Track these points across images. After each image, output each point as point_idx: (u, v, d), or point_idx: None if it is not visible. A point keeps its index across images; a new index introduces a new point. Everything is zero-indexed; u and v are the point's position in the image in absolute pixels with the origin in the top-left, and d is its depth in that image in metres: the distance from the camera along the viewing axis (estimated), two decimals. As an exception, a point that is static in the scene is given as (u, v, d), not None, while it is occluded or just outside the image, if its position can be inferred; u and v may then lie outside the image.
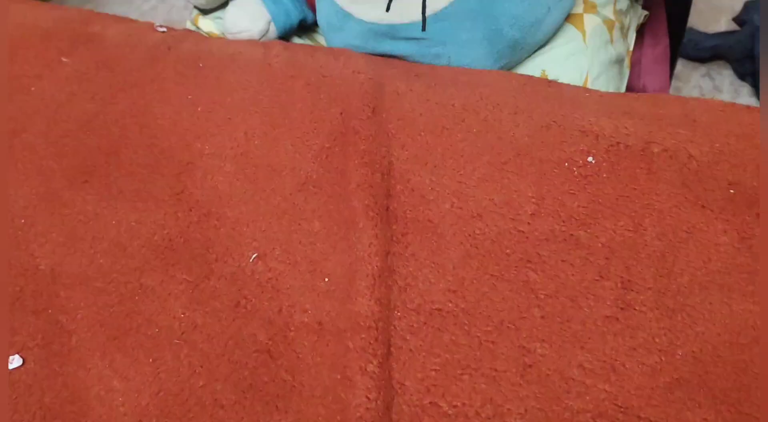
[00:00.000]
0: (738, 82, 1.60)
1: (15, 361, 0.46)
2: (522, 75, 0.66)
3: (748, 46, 1.54)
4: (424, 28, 0.65)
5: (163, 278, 0.50)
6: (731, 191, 0.52)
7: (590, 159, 0.54)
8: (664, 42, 0.92)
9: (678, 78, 1.61)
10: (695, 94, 1.57)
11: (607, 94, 0.62)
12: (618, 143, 0.54)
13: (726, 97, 1.53)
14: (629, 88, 0.85)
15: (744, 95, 1.58)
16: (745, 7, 1.69)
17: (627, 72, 0.82)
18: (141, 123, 0.56)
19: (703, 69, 1.64)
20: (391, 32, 0.66)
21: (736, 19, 1.71)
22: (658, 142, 0.54)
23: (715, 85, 1.60)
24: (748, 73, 1.59)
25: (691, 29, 1.65)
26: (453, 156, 0.56)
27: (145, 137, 0.57)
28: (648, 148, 0.54)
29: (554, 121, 0.57)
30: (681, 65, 1.62)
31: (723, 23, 1.73)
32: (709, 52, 1.64)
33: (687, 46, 1.62)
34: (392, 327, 0.48)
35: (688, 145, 0.54)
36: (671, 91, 1.61)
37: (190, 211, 0.54)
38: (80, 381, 0.45)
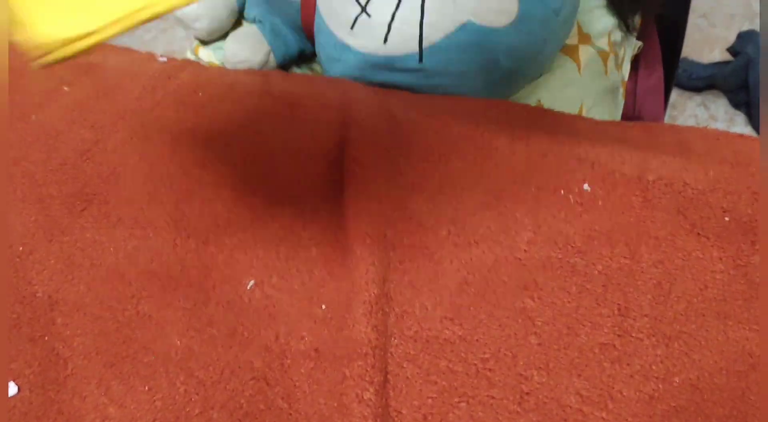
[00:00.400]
0: (733, 111, 1.61)
1: (10, 389, 0.46)
2: (519, 104, 0.67)
3: (742, 76, 1.56)
4: (421, 60, 0.65)
5: (161, 305, 0.50)
6: (726, 219, 0.52)
7: (586, 187, 0.54)
8: (659, 72, 0.93)
9: (674, 107, 1.63)
10: (691, 122, 1.59)
11: (603, 122, 0.63)
12: (613, 171, 0.54)
13: (721, 125, 1.55)
14: (625, 117, 0.86)
15: (739, 124, 1.59)
16: (739, 37, 1.71)
17: (622, 101, 0.83)
18: (140, 151, 0.56)
19: (698, 98, 1.65)
20: (388, 63, 0.67)
21: (730, 50, 1.73)
22: (653, 170, 0.54)
23: (710, 114, 1.61)
24: (742, 102, 1.60)
25: (686, 59, 1.67)
26: (450, 183, 0.56)
27: (144, 165, 0.57)
28: (643, 175, 0.54)
29: (551, 150, 0.57)
30: (676, 95, 1.64)
31: (717, 53, 1.75)
32: (704, 81, 1.65)
33: (682, 76, 1.64)
34: (389, 355, 0.48)
35: (682, 173, 0.54)
36: (667, 120, 1.63)
37: (189, 238, 0.54)
38: (75, 409, 0.45)
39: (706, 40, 1.76)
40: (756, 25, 1.73)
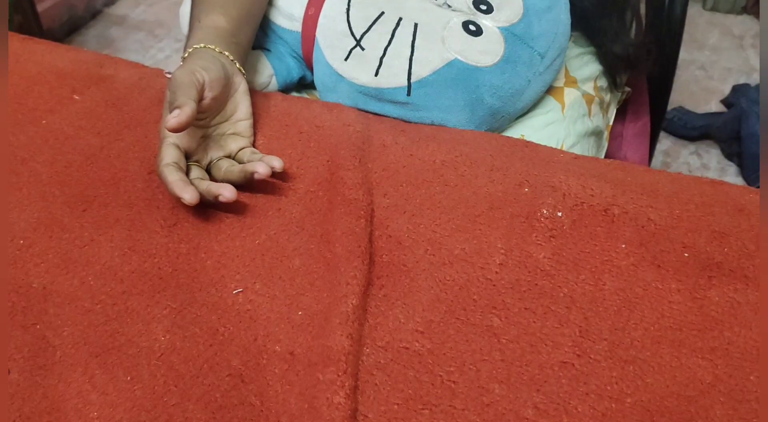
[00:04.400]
0: (725, 161, 1.65)
1: None
2: (501, 136, 0.71)
3: (734, 127, 1.60)
4: (409, 93, 0.69)
5: (149, 303, 0.53)
6: (685, 254, 0.55)
7: (559, 214, 0.58)
8: (645, 118, 0.97)
9: (667, 154, 1.67)
10: (684, 170, 1.62)
11: (581, 157, 0.66)
12: (582, 202, 0.58)
13: (713, 174, 1.58)
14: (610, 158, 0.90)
15: (730, 174, 1.63)
16: (733, 90, 1.76)
17: (605, 144, 0.86)
18: (141, 158, 0.60)
19: (692, 147, 1.69)
20: (378, 95, 0.71)
21: (724, 102, 1.77)
22: (620, 205, 0.58)
23: (702, 163, 1.65)
24: (734, 153, 1.63)
25: (682, 108, 1.71)
26: (430, 206, 0.60)
27: (144, 171, 0.60)
28: (609, 209, 0.57)
29: (527, 180, 0.61)
30: (671, 142, 1.68)
31: (714, 105, 1.79)
32: (698, 131, 1.69)
33: (677, 123, 1.68)
34: (361, 362, 0.51)
35: (648, 210, 0.58)
36: (660, 166, 1.67)
37: (181, 243, 0.57)
38: (60, 394, 0.48)
39: (703, 91, 1.81)
40: (751, 80, 1.78)
